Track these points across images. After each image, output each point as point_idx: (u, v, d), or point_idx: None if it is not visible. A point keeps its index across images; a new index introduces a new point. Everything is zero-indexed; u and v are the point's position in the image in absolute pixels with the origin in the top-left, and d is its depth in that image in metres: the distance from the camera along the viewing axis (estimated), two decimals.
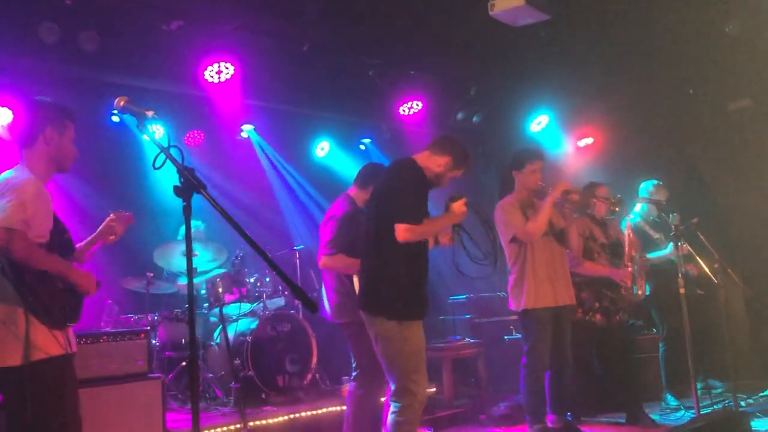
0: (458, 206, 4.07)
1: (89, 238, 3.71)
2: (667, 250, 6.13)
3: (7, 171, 3.25)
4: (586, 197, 5.49)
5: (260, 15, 6.48)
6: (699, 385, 5.50)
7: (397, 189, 3.99)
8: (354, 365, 4.83)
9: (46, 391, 3.03)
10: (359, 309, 4.11)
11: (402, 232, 3.83)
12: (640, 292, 5.55)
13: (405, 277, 3.96)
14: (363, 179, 4.95)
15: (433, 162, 4.17)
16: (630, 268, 5.56)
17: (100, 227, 3.73)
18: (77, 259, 3.55)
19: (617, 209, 5.48)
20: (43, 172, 3.29)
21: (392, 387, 3.96)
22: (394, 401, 3.92)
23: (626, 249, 5.63)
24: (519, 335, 6.79)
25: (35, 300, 3.02)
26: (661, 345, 6.48)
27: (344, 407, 4.93)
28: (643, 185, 6.69)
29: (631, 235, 5.71)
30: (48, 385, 3.04)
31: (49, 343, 3.05)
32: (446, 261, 8.96)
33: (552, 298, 5.13)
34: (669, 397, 6.35)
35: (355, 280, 4.75)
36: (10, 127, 3.50)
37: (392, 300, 3.93)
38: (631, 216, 6.49)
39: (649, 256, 6.11)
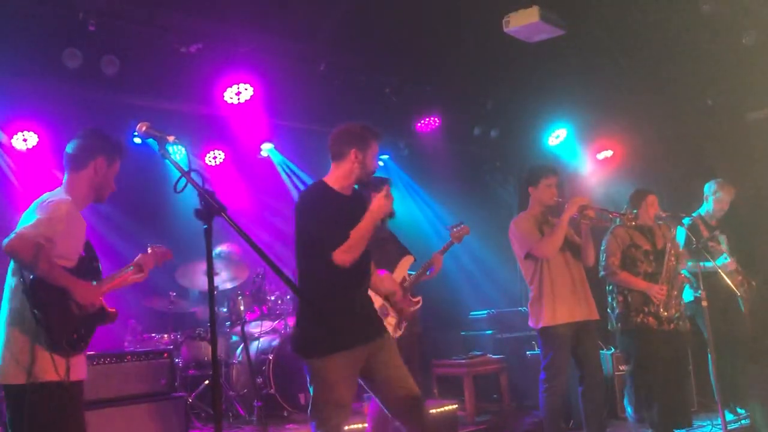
0: (375, 203, 3.61)
1: (115, 280, 3.54)
2: (719, 261, 5.86)
3: (48, 192, 3.34)
4: (604, 212, 5.33)
5: (277, 36, 6.59)
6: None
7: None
8: None
9: (40, 415, 3.04)
10: None
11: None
12: (665, 314, 5.32)
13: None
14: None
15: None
16: (665, 288, 5.28)
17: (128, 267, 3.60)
18: None
19: (633, 224, 5.31)
20: (81, 197, 3.37)
21: None
22: None
23: (664, 268, 5.34)
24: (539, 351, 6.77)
25: (44, 322, 3.03)
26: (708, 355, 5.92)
27: (366, 424, 4.94)
28: (707, 184, 6.44)
29: (671, 252, 5.40)
30: (41, 410, 3.04)
31: (46, 368, 3.05)
32: (465, 277, 8.96)
33: (571, 313, 5.05)
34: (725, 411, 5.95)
35: None
36: (67, 153, 3.52)
37: None
38: (685, 218, 6.09)
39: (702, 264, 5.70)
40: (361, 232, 3.53)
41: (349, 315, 3.62)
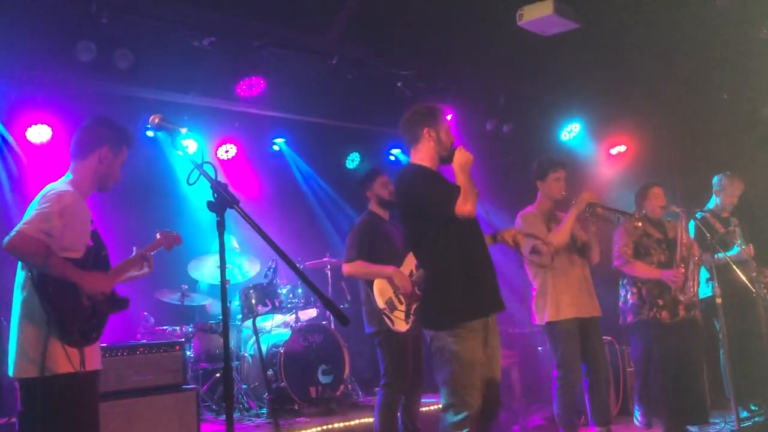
0: (459, 155, 3.73)
1: (122, 270, 3.56)
2: (733, 251, 5.83)
3: (52, 183, 3.34)
4: (611, 211, 5.29)
5: (290, 30, 6.58)
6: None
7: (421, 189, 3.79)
8: (382, 373, 4.84)
9: (54, 406, 3.05)
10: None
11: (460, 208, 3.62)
12: (682, 298, 5.27)
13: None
14: (360, 188, 5.34)
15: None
16: (681, 269, 5.26)
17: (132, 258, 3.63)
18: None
19: (639, 224, 5.27)
20: (85, 187, 3.37)
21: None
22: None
23: (678, 249, 5.31)
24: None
25: (55, 314, 3.04)
26: (721, 351, 5.92)
27: (373, 418, 4.94)
28: (715, 178, 6.40)
29: (684, 235, 5.37)
30: (56, 401, 3.05)
31: (60, 359, 3.06)
32: None
33: (575, 309, 5.03)
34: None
35: (375, 288, 4.79)
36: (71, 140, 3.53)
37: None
38: (697, 213, 5.96)
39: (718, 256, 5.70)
40: (464, 183, 3.64)
41: (485, 280, 3.70)
